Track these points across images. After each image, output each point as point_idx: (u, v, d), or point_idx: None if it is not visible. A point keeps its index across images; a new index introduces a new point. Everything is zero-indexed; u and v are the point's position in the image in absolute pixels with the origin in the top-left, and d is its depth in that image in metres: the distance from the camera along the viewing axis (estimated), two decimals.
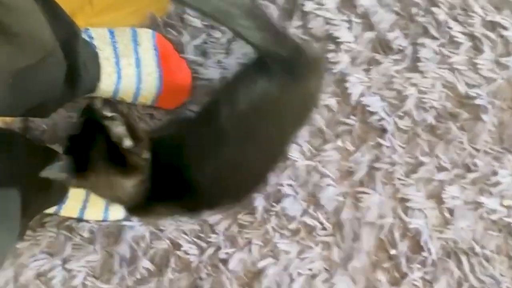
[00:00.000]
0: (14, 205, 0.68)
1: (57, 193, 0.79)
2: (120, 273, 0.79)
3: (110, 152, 0.60)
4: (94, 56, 0.80)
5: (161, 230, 0.81)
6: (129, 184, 0.63)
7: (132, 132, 0.59)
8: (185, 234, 0.82)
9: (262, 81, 0.62)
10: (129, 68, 0.81)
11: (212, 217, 0.83)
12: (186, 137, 0.69)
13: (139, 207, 0.67)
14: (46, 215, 0.81)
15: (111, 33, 0.83)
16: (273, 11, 0.84)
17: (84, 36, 0.80)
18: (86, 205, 0.82)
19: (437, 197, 0.83)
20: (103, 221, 0.82)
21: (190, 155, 0.64)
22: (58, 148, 0.80)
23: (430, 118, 0.83)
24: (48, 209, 0.80)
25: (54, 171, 0.59)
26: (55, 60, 0.69)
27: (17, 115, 0.78)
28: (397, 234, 0.82)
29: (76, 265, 0.80)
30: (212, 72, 0.85)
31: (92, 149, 0.60)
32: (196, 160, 0.63)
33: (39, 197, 0.75)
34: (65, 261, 0.81)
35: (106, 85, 0.80)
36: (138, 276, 0.80)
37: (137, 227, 0.81)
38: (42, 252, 0.81)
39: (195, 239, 0.82)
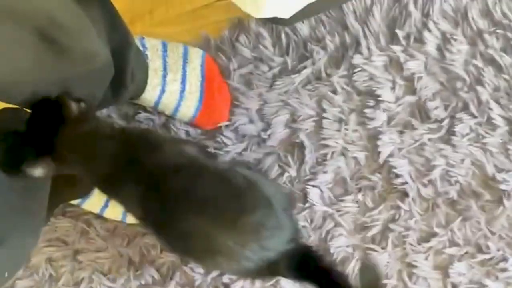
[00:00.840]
0: (43, 194, 0.72)
1: (83, 187, 0.84)
2: (127, 275, 0.84)
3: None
4: (144, 66, 0.84)
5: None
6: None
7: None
8: None
9: None
10: (174, 84, 0.86)
11: None
12: None
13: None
14: (69, 205, 0.85)
15: (164, 46, 0.87)
16: (322, 58, 0.87)
17: (137, 44, 0.83)
18: (108, 204, 0.86)
19: (443, 270, 0.84)
20: (120, 222, 0.86)
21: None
22: None
23: (453, 192, 0.84)
24: (72, 200, 0.85)
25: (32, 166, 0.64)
26: (102, 70, 0.73)
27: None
28: None
29: (87, 258, 0.84)
30: (251, 102, 0.89)
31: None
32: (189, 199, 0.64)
33: (66, 188, 0.79)
34: (76, 252, 0.85)
35: (149, 96, 0.85)
36: (143, 282, 0.84)
37: (151, 235, 0.85)
38: (58, 239, 0.85)
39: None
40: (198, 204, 0.61)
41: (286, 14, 0.67)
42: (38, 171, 0.64)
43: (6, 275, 0.65)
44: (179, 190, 0.63)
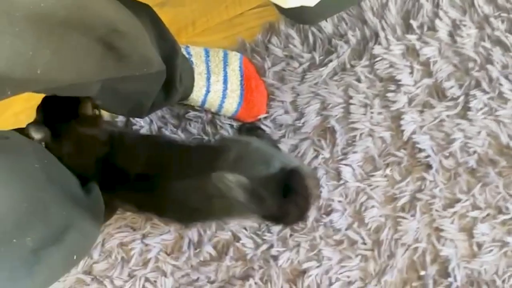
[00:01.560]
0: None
1: None
2: (187, 253, 0.92)
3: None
4: (190, 71, 0.91)
5: (226, 223, 0.93)
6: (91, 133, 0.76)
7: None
8: (245, 229, 0.93)
9: None
10: (217, 84, 0.92)
11: None
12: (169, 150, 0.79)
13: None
14: None
15: (206, 52, 0.94)
16: (346, 51, 0.94)
17: (184, 52, 0.90)
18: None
19: (468, 231, 0.89)
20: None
21: (166, 165, 0.74)
22: None
23: (472, 162, 0.88)
24: None
25: (35, 130, 0.73)
26: (155, 73, 0.77)
27: (121, 113, 0.93)
28: (428, 258, 0.89)
29: (153, 241, 0.93)
30: (286, 96, 0.95)
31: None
32: (170, 172, 0.73)
33: None
34: (144, 236, 0.94)
35: (196, 96, 0.91)
36: (202, 259, 0.92)
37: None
38: (127, 226, 0.95)
39: (253, 235, 0.93)
40: (181, 171, 0.71)
41: (311, 2, 0.69)
42: (37, 135, 0.73)
43: (75, 257, 0.70)
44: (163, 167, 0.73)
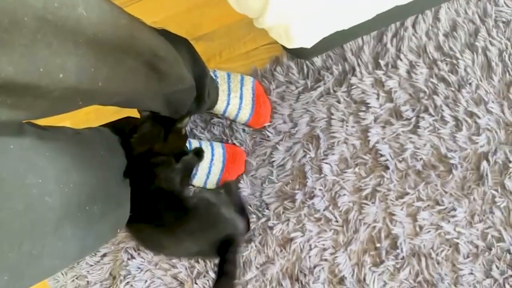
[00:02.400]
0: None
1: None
2: None
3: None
4: (216, 88, 1.03)
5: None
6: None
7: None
8: (250, 206, 1.09)
9: None
10: (235, 99, 1.07)
11: (269, 199, 1.08)
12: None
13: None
14: None
15: (228, 75, 1.08)
16: (330, 80, 1.08)
17: (212, 74, 1.02)
18: (195, 176, 1.06)
19: (413, 217, 1.04)
20: (202, 188, 1.09)
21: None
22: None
23: (419, 166, 1.04)
24: None
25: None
26: (188, 88, 0.85)
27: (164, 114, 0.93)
28: (383, 235, 1.04)
29: None
30: (284, 110, 1.11)
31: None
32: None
33: None
34: None
35: (220, 107, 1.05)
36: None
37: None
38: None
39: (255, 210, 1.10)
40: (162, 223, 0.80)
41: (308, 45, 0.78)
42: (145, 113, 0.81)
43: (118, 230, 0.76)
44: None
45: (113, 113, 1.14)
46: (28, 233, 0.53)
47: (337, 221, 1.08)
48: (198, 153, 1.05)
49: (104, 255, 1.18)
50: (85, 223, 0.63)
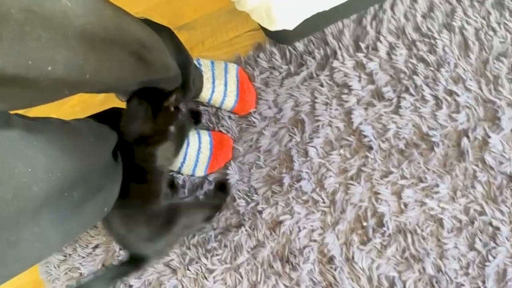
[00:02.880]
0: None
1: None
2: None
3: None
4: (200, 76, 1.04)
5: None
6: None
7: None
8: (239, 191, 1.11)
9: None
10: (220, 86, 1.06)
11: (257, 183, 1.09)
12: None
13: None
14: None
15: (212, 63, 1.08)
16: (312, 64, 1.10)
17: (195, 63, 1.03)
18: (183, 164, 1.08)
19: (398, 195, 1.05)
20: (191, 175, 1.11)
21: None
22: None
23: (401, 145, 1.05)
24: None
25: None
26: (174, 77, 0.85)
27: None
28: (369, 213, 1.05)
29: None
30: (269, 96, 1.12)
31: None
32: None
33: None
34: None
35: (205, 94, 1.05)
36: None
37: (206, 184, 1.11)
38: None
39: (244, 196, 1.10)
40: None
41: (290, 26, 0.79)
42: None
43: (105, 209, 0.74)
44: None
45: (99, 105, 1.18)
46: (14, 221, 0.54)
47: (324, 203, 1.09)
48: (172, 185, 1.07)
49: (96, 246, 1.19)
50: (65, 208, 0.62)
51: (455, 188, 1.06)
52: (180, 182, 1.16)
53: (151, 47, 0.70)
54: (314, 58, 1.13)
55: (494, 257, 1.03)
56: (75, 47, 0.53)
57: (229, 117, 1.16)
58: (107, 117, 0.85)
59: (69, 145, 0.63)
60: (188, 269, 1.13)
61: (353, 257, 1.07)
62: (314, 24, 0.99)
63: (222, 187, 1.10)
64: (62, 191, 0.61)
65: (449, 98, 1.09)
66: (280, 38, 1.07)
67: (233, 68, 1.12)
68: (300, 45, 1.14)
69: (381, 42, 1.12)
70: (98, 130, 0.77)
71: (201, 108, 1.17)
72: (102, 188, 0.72)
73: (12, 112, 0.56)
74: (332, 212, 1.09)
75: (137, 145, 0.81)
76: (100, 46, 0.57)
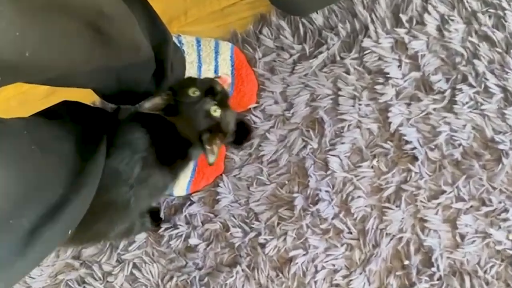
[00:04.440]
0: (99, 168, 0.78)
1: None
2: (174, 241, 0.98)
3: None
4: (182, 60, 0.94)
5: (215, 215, 0.99)
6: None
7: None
8: (234, 217, 0.99)
9: None
10: (208, 73, 0.96)
11: (258, 207, 0.99)
12: None
13: None
14: None
15: (198, 41, 0.98)
16: (336, 43, 0.98)
17: (175, 41, 0.93)
18: None
19: (452, 222, 0.94)
20: (169, 195, 1.01)
21: None
22: None
23: (457, 154, 0.94)
24: None
25: (153, 101, 0.78)
26: (145, 62, 0.80)
27: (111, 101, 0.94)
28: (412, 248, 0.94)
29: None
30: (276, 86, 1.01)
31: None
32: None
33: None
34: None
35: None
36: (188, 245, 0.98)
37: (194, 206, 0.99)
38: None
39: (241, 223, 0.99)
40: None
41: None
42: (147, 104, 0.78)
43: (69, 232, 0.72)
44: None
45: (44, 98, 1.10)
46: None
47: (350, 233, 0.99)
48: (156, 217, 1.02)
49: None
50: (7, 241, 0.61)
51: None
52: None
53: (113, 17, 0.66)
54: (337, 35, 1.01)
55: None
56: (8, 14, 0.50)
57: None
58: (61, 113, 0.82)
59: (3, 153, 0.60)
60: None
61: None
62: None
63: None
64: (4, 218, 0.59)
65: None
66: (291, 6, 0.95)
67: (226, 48, 1.01)
68: (318, 18, 1.02)
69: (429, 13, 0.98)
70: (49, 131, 0.74)
71: None
72: (65, 204, 0.68)
73: None
74: (362, 246, 0.98)
75: None
76: (42, 13, 0.54)
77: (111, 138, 0.80)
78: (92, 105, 1.00)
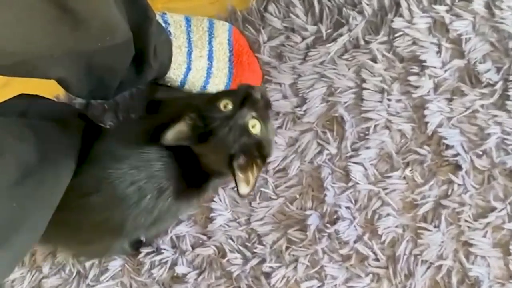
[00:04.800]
0: (66, 180, 0.75)
1: None
2: (157, 269, 0.86)
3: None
4: (167, 43, 0.87)
5: (208, 237, 0.89)
6: None
7: None
8: (231, 240, 0.89)
9: None
10: (201, 60, 0.88)
11: (262, 227, 0.89)
12: None
13: None
14: None
15: (188, 21, 0.90)
16: (360, 24, 0.88)
17: (159, 20, 0.85)
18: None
19: (504, 247, 0.87)
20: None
21: None
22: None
23: (511, 162, 0.86)
24: None
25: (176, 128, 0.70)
26: (121, 44, 0.74)
27: (81, 95, 0.86)
28: (454, 279, 0.86)
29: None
30: (285, 77, 0.92)
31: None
32: None
33: None
34: None
35: (174, 75, 0.87)
36: (175, 274, 0.87)
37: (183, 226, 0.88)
38: None
39: (240, 247, 0.90)
40: None
41: None
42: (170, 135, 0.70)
43: (21, 257, 0.70)
44: None
45: None
46: None
47: (377, 260, 0.91)
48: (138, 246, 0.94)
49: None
50: None
51: None
52: None
53: None
54: (361, 13, 0.92)
55: None
56: None
57: None
58: (17, 109, 0.79)
59: None
60: None
61: None
62: None
63: None
64: None
65: None
66: None
67: (223, 30, 0.94)
68: None
69: None
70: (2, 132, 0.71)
71: None
72: (17, 229, 0.66)
73: None
74: (392, 277, 0.90)
75: None
76: None
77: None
78: (55, 99, 0.91)
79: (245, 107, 0.69)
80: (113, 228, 0.76)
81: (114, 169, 0.73)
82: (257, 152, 0.70)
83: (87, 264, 0.90)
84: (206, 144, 0.71)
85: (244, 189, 0.67)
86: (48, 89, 0.89)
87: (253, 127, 0.69)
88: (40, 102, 0.86)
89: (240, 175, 0.67)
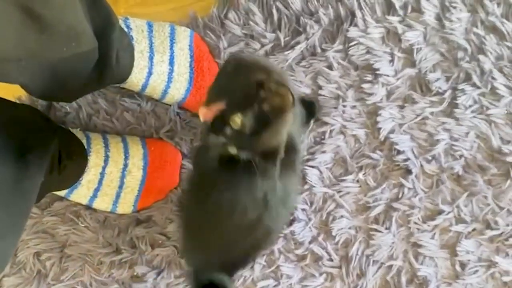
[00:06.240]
0: (29, 182, 0.76)
1: (70, 177, 0.88)
2: (117, 268, 0.89)
3: None
4: (129, 48, 0.88)
5: (167, 237, 0.91)
6: None
7: None
8: None
9: None
10: (162, 65, 0.91)
11: None
12: None
13: None
14: (56, 196, 0.90)
15: (150, 26, 0.92)
16: (316, 32, 0.92)
17: (122, 25, 0.88)
18: (97, 194, 0.90)
19: (451, 248, 0.91)
20: (110, 212, 0.92)
21: None
22: (77, 132, 0.90)
23: (458, 167, 0.90)
24: (58, 191, 0.89)
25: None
26: (88, 52, 0.76)
27: (42, 97, 0.88)
28: (404, 279, 0.90)
29: (76, 251, 0.89)
30: None
31: None
32: None
33: (50, 177, 0.83)
34: (65, 245, 0.90)
35: (136, 79, 0.89)
36: (135, 273, 0.90)
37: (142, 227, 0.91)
38: (45, 232, 0.91)
39: None
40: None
41: None
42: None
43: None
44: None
45: None
46: None
47: (331, 260, 0.95)
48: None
49: None
50: None
51: None
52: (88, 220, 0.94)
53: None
54: (318, 22, 0.96)
55: None
56: None
57: (177, 117, 0.99)
58: None
59: None
60: None
61: None
62: None
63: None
64: None
65: None
66: None
67: (184, 36, 0.96)
68: (295, 1, 0.98)
69: None
70: None
71: (129, 101, 1.00)
72: None
73: None
74: (345, 276, 0.93)
75: None
76: None
77: None
78: (17, 101, 0.92)
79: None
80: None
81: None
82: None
83: (48, 263, 0.89)
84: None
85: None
86: (10, 90, 0.89)
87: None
88: (1, 105, 0.83)
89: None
